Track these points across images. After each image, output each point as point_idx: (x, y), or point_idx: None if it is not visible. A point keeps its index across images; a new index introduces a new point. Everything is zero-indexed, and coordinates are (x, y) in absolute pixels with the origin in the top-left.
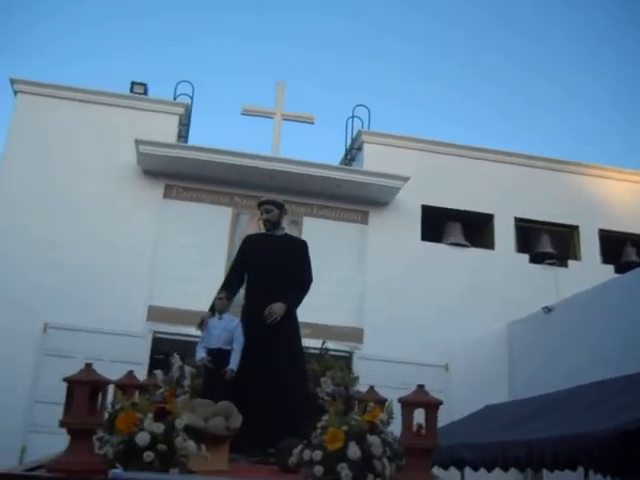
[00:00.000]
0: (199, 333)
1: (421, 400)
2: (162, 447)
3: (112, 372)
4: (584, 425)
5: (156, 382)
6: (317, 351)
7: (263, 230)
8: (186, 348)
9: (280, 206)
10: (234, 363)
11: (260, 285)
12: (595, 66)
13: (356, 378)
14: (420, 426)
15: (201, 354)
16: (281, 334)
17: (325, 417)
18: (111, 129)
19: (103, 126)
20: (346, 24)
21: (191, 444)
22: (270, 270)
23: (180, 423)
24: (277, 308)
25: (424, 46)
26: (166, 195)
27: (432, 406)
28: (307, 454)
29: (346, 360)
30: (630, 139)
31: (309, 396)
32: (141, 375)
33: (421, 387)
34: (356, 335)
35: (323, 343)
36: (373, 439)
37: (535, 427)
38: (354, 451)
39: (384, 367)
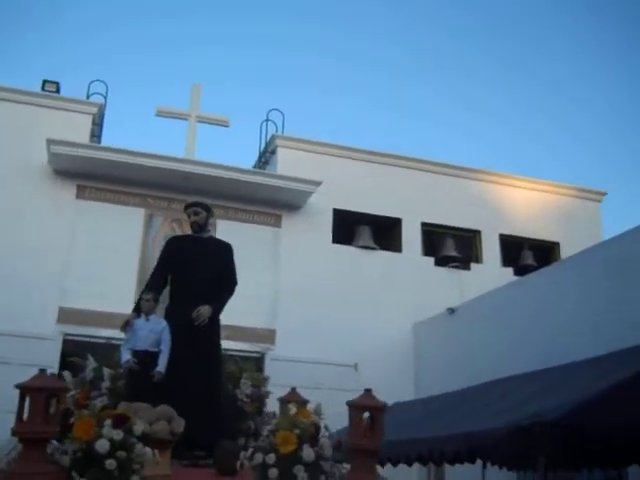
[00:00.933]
0: (110, 334)
1: (368, 404)
2: (122, 454)
3: (22, 376)
4: (483, 422)
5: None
6: (235, 353)
7: (180, 231)
8: (97, 349)
9: (207, 209)
10: (162, 365)
11: (186, 286)
12: (489, 74)
13: (266, 379)
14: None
15: (126, 356)
16: (206, 337)
17: (274, 420)
18: (21, 128)
19: (13, 125)
20: (264, 25)
21: (148, 450)
22: (196, 272)
23: (138, 429)
24: (204, 311)
25: (342, 57)
26: (78, 196)
27: (378, 409)
28: (259, 457)
29: (258, 361)
30: (527, 148)
31: (231, 398)
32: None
33: (368, 391)
34: (268, 336)
35: None
36: (324, 441)
37: (437, 425)
38: (309, 453)
39: (296, 367)
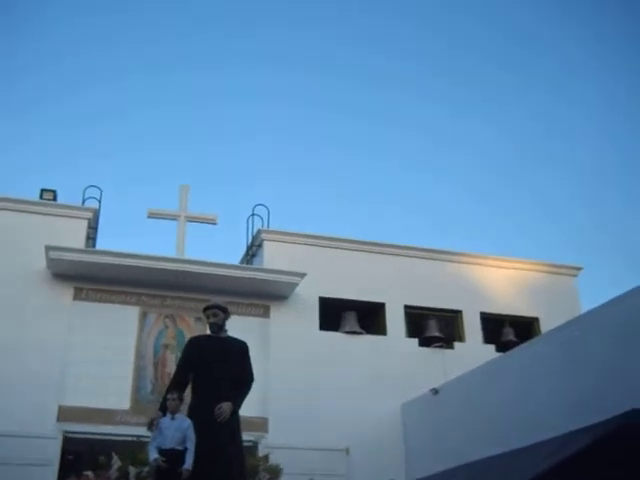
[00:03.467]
0: (109, 431)
1: None
2: None
3: (22, 475)
4: None
5: None
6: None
7: (172, 327)
8: (101, 446)
9: (224, 310)
10: (189, 462)
11: (208, 384)
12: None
13: (281, 470)
14: None
15: (154, 454)
16: (229, 431)
17: None
18: (21, 234)
19: (13, 231)
20: (244, 117)
21: None
22: (217, 370)
23: None
24: (226, 407)
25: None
26: (76, 297)
27: None
28: None
29: (252, 449)
30: (501, 227)
31: None
32: (52, 476)
33: None
34: (261, 424)
35: None
36: None
37: None
38: None
39: (289, 454)
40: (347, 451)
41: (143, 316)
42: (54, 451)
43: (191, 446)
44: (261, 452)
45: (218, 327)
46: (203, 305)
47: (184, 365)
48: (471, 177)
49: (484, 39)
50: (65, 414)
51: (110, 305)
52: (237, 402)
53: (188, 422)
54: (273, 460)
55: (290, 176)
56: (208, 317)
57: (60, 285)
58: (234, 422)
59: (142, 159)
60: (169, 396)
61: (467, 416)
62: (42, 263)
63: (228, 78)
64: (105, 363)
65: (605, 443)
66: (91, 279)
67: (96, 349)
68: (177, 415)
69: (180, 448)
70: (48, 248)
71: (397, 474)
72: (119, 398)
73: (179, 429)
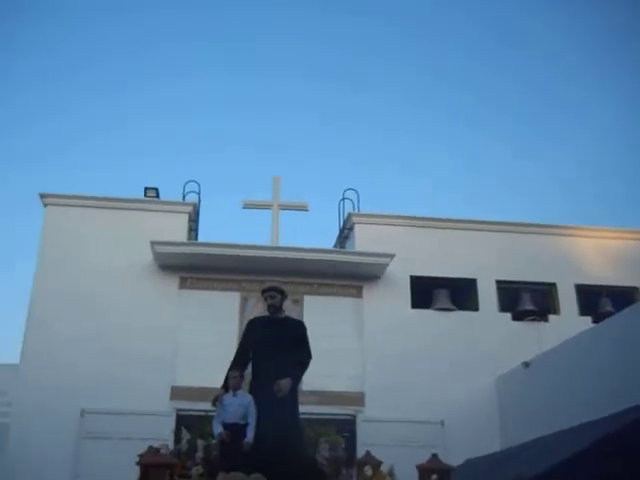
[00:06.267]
0: (214, 408)
1: (435, 467)
2: None
3: (143, 450)
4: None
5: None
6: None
7: (266, 313)
8: (203, 423)
9: (281, 292)
10: (250, 436)
11: (267, 363)
12: (560, 132)
13: (342, 440)
14: None
15: (219, 429)
16: (287, 407)
17: None
18: (130, 231)
19: (123, 229)
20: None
21: None
22: (275, 349)
23: None
24: (285, 383)
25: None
26: (181, 286)
27: (445, 472)
28: None
29: (350, 423)
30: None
31: (314, 461)
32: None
33: (435, 456)
34: (358, 399)
35: None
36: None
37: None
38: None
39: (386, 427)
40: (442, 424)
41: (244, 301)
42: (169, 427)
43: (252, 421)
44: (359, 425)
45: (275, 308)
46: (299, 289)
47: (244, 345)
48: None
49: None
50: (177, 393)
51: (213, 292)
52: (296, 379)
53: (249, 398)
54: (368, 433)
55: (380, 163)
56: (266, 299)
57: (166, 276)
58: (292, 398)
59: (234, 154)
60: (231, 374)
61: (560, 388)
62: (149, 256)
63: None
64: (211, 346)
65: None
66: (194, 269)
67: (202, 333)
68: (239, 392)
69: (242, 422)
70: (153, 243)
71: (492, 445)
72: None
73: (241, 405)
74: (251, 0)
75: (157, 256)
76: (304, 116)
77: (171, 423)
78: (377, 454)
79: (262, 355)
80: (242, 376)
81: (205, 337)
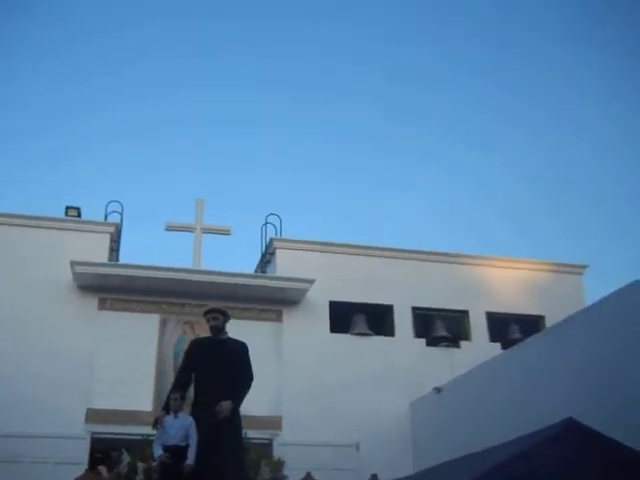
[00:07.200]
0: (134, 431)
1: None
2: None
3: (57, 473)
4: None
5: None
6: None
7: (191, 333)
8: (127, 445)
9: (224, 313)
10: (191, 458)
11: (209, 384)
12: (470, 168)
13: (282, 463)
14: None
15: (159, 451)
16: (229, 429)
17: None
18: (50, 250)
19: (42, 248)
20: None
21: None
22: (217, 371)
23: None
24: (226, 405)
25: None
26: (100, 307)
27: None
28: None
29: (267, 447)
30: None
31: None
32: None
33: (374, 476)
34: (276, 423)
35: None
36: None
37: None
38: None
39: (302, 451)
40: (357, 447)
41: (163, 323)
42: (84, 450)
43: (193, 442)
44: (275, 449)
45: (218, 329)
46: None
47: (186, 366)
48: (478, 177)
49: None
50: (92, 416)
51: (132, 314)
52: (237, 401)
53: (190, 420)
54: (282, 456)
55: (300, 185)
56: (208, 320)
57: (86, 296)
58: (235, 419)
59: (160, 175)
60: (172, 396)
61: (470, 412)
62: (69, 276)
63: (241, 99)
64: (129, 368)
65: (538, 451)
66: (113, 290)
67: (120, 355)
68: (180, 414)
69: (183, 444)
70: (73, 263)
71: (405, 468)
72: (142, 401)
73: (182, 427)
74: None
75: (76, 276)
76: (230, 138)
77: (86, 446)
78: (294, 477)
79: (204, 376)
80: (183, 398)
81: (123, 359)
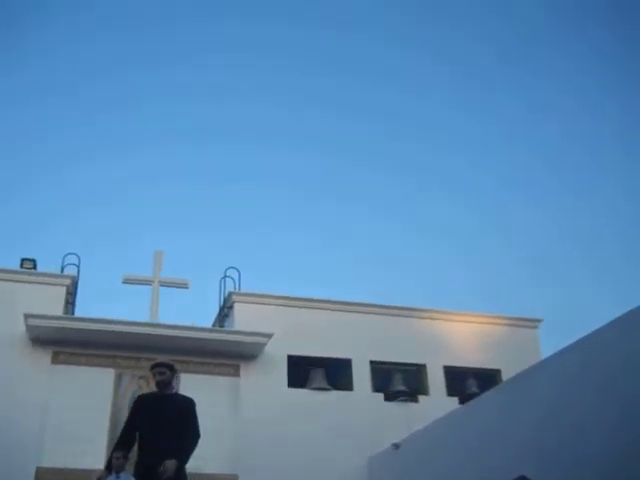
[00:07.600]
0: None
1: None
2: None
3: None
4: None
5: None
6: None
7: (147, 387)
8: None
9: (171, 367)
10: None
11: (153, 442)
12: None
13: None
14: None
15: None
16: None
17: None
18: (3, 303)
19: None
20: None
21: None
22: (162, 428)
23: None
24: (170, 465)
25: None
26: (54, 361)
27: None
28: None
29: None
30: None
31: None
32: None
33: None
34: None
35: None
36: None
37: None
38: None
39: None
40: None
41: (118, 378)
42: None
43: None
44: None
45: (165, 384)
46: (176, 366)
47: (130, 423)
48: (447, 227)
49: None
50: (42, 475)
51: (86, 368)
52: (182, 459)
53: None
54: None
55: (260, 239)
56: (155, 375)
57: (39, 350)
58: (180, 478)
59: (119, 229)
60: (114, 454)
61: (426, 468)
62: (22, 329)
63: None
64: (82, 424)
65: None
66: (68, 343)
67: (73, 411)
68: (122, 473)
69: None
70: (27, 316)
71: None
72: (95, 458)
73: None
74: None
75: (30, 329)
76: (190, 189)
77: None
78: None
79: (149, 433)
80: (126, 457)
81: (76, 415)
